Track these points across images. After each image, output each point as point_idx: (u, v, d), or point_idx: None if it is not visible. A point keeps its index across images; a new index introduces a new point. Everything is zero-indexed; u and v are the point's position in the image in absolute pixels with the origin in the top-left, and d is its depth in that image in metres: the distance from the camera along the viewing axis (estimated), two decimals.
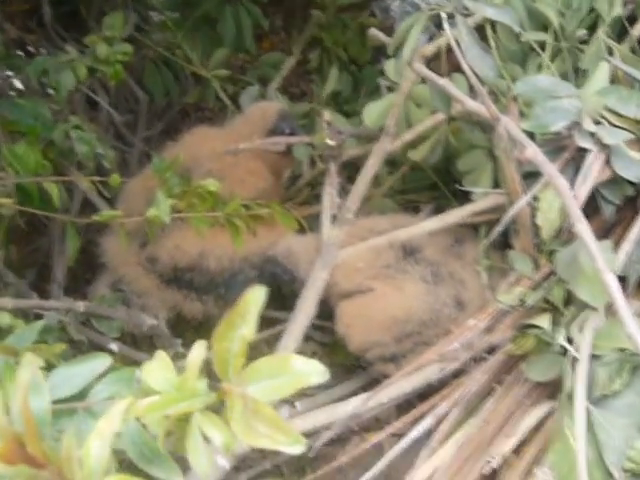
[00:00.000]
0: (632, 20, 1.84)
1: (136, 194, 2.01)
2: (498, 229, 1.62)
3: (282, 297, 2.11)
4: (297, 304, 1.90)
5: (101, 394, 0.85)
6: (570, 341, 1.45)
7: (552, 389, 1.59)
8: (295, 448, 0.66)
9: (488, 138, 2.01)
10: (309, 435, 1.78)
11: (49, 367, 0.90)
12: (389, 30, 3.27)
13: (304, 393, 2.10)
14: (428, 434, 1.67)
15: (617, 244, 1.75)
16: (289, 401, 1.93)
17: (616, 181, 1.65)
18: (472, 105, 1.58)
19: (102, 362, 0.87)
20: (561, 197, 1.33)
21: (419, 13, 1.66)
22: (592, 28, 1.85)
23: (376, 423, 1.95)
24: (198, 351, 0.73)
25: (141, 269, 2.01)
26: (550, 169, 1.36)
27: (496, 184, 2.01)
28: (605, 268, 1.24)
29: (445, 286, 1.93)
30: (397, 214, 2.18)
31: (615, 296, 1.23)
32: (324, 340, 2.21)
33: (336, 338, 2.05)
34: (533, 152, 1.40)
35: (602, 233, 1.78)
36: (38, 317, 1.73)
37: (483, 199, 1.96)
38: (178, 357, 1.90)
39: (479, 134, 2.02)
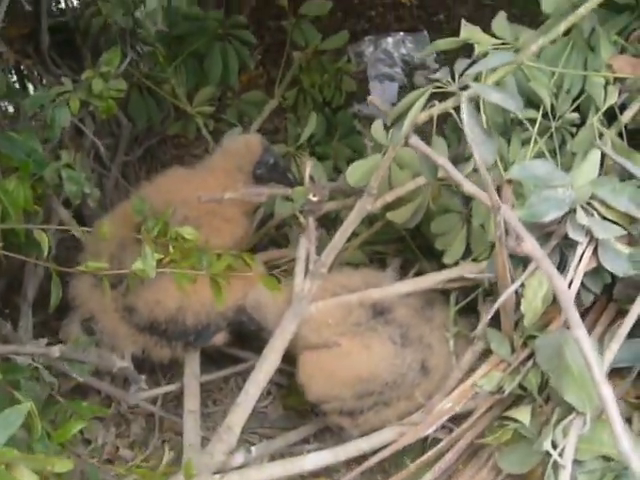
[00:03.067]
0: (622, 107, 1.86)
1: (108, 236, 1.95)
2: (488, 316, 1.60)
3: (243, 336, 2.14)
4: (264, 352, 1.91)
5: None
6: (553, 443, 1.44)
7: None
8: None
9: (466, 204, 2.03)
10: None
11: None
12: (362, 74, 3.31)
13: (260, 434, 2.14)
14: None
15: (591, 329, 1.77)
16: (245, 446, 1.93)
17: (598, 271, 1.65)
18: (470, 189, 1.57)
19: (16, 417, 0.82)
20: (560, 298, 1.31)
21: (421, 90, 1.64)
22: (580, 110, 1.87)
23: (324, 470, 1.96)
24: None
25: (117, 316, 2.00)
26: (549, 267, 1.35)
27: (468, 249, 2.04)
28: (602, 381, 1.21)
29: (412, 349, 1.93)
30: (369, 270, 2.16)
31: (612, 412, 1.20)
32: (281, 382, 2.21)
33: (293, 382, 2.05)
34: (531, 246, 1.39)
35: None
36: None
37: (457, 268, 1.97)
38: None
39: (457, 200, 2.03)
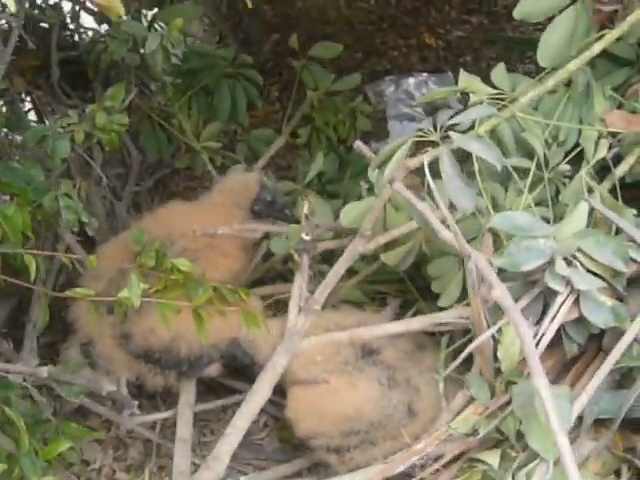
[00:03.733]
0: (617, 159, 1.88)
1: (109, 262, 2.03)
2: (461, 357, 1.63)
3: (238, 368, 2.15)
4: (255, 385, 1.94)
5: None
6: None
7: None
8: None
9: None
10: None
11: None
12: (381, 114, 3.35)
13: (255, 466, 2.16)
14: None
15: (577, 378, 1.78)
16: (233, 475, 1.95)
17: (582, 321, 1.67)
18: (446, 235, 1.60)
19: None
20: (523, 347, 1.34)
21: (404, 138, 1.68)
22: (575, 162, 1.89)
23: None
24: None
25: (114, 342, 2.05)
26: (516, 315, 1.38)
27: (464, 291, 2.05)
28: (559, 430, 1.24)
29: (399, 392, 1.95)
30: (366, 311, 2.20)
31: (567, 463, 1.22)
32: (277, 414, 2.21)
33: None
34: (501, 294, 1.42)
35: (563, 367, 1.81)
36: None
37: (448, 311, 1.98)
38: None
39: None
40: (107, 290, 1.92)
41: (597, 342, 1.78)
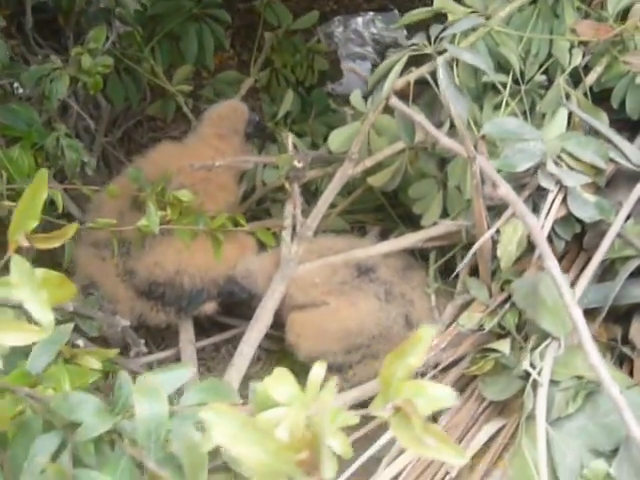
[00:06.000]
0: (586, 69, 1.99)
1: (107, 205, 2.05)
2: (466, 260, 1.73)
3: (233, 305, 2.23)
4: (256, 314, 2.00)
5: (190, 401, 0.90)
6: (532, 365, 1.58)
7: (502, 407, 1.72)
8: (459, 460, 0.73)
9: (441, 169, 2.15)
10: None
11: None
12: (333, 54, 3.41)
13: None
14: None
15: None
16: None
17: (568, 219, 1.79)
18: (447, 142, 1.69)
19: (186, 372, 0.94)
20: (532, 235, 1.44)
21: (400, 52, 1.76)
22: (547, 73, 1.99)
23: None
24: (318, 370, 0.78)
25: (118, 280, 2.07)
26: (522, 208, 1.48)
27: (445, 212, 2.16)
28: (573, 304, 1.35)
29: (396, 305, 2.04)
30: (351, 235, 2.29)
31: (582, 330, 1.34)
32: (271, 348, 2.29)
33: (282, 347, 2.16)
34: (505, 191, 1.52)
35: None
36: None
37: (436, 226, 2.09)
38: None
39: (432, 164, 2.15)
40: (108, 236, 1.94)
41: (577, 243, 1.91)
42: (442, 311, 2.05)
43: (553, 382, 1.56)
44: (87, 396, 0.88)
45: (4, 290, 0.84)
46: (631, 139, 1.93)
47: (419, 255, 2.23)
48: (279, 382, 0.74)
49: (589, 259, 1.86)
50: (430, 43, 1.77)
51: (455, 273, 1.90)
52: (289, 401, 0.72)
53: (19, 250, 0.89)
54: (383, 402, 0.73)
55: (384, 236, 2.38)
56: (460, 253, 2.08)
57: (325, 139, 2.65)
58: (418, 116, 1.72)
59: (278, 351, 2.27)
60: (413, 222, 2.26)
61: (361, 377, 2.02)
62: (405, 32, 3.53)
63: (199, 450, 0.81)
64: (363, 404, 1.94)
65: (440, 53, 1.74)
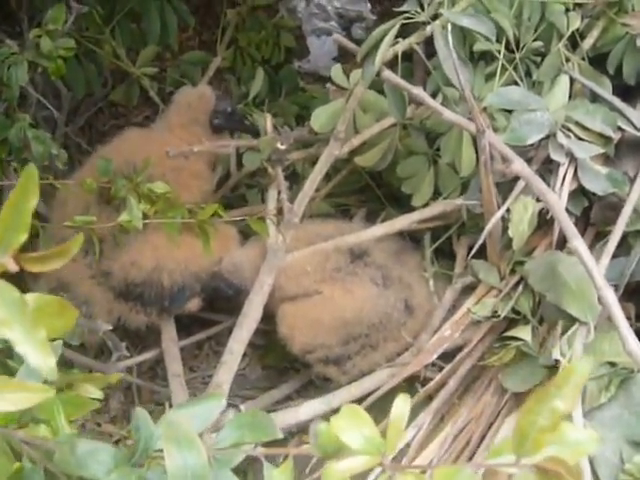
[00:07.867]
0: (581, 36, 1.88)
1: (72, 200, 1.89)
2: (479, 241, 1.61)
3: (214, 299, 2.08)
4: (244, 309, 1.88)
5: (227, 441, 0.77)
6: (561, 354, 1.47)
7: (523, 398, 1.61)
8: None
9: (431, 145, 2.03)
10: None
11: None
12: (298, 30, 3.28)
13: (242, 397, 2.10)
14: None
15: None
16: (234, 404, 1.90)
17: (577, 193, 1.68)
18: (450, 116, 1.57)
19: (217, 404, 0.79)
20: (554, 212, 1.33)
21: (390, 22, 1.63)
22: (543, 40, 1.88)
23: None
24: (401, 407, 0.64)
25: (93, 281, 1.93)
26: (540, 184, 1.37)
27: (436, 191, 2.04)
28: (606, 286, 1.24)
29: (395, 290, 1.93)
30: (338, 219, 2.16)
31: (616, 314, 1.23)
32: (256, 342, 2.13)
33: (268, 341, 2.06)
34: (520, 166, 1.40)
35: (557, 245, 1.82)
36: None
37: (431, 206, 1.97)
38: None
39: (422, 141, 2.03)
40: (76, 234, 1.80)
41: (584, 218, 1.80)
42: (441, 295, 1.94)
43: None
44: (98, 445, 0.73)
45: None
46: (631, 106, 1.83)
47: (408, 237, 2.11)
48: (350, 422, 0.60)
49: (597, 233, 1.77)
50: (422, 10, 1.63)
51: (469, 256, 1.76)
52: (365, 448, 0.58)
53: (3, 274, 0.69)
54: (514, 454, 0.59)
55: (370, 219, 2.27)
56: (456, 235, 1.99)
57: (297, 119, 2.55)
58: (416, 89, 1.59)
59: (264, 346, 2.16)
60: (399, 203, 2.15)
61: (361, 369, 1.91)
62: (369, 5, 3.43)
63: None
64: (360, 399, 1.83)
65: (434, 18, 1.61)
